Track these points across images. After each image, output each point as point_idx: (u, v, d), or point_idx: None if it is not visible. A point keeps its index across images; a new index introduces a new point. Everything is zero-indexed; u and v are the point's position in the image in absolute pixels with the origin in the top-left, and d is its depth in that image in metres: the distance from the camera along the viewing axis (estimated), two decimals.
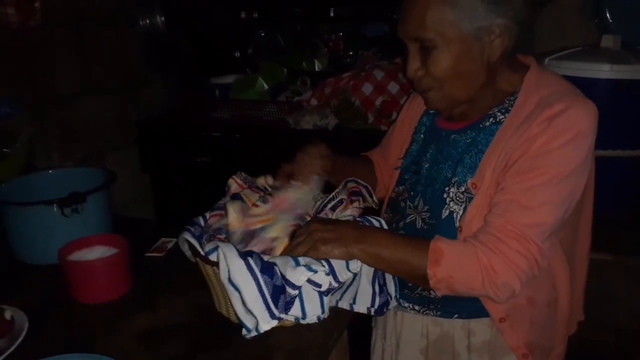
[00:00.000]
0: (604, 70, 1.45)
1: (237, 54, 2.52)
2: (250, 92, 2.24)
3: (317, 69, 2.51)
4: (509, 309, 0.97)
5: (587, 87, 1.47)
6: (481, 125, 0.98)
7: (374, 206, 1.10)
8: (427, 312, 1.05)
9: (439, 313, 1.04)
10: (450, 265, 0.88)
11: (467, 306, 1.01)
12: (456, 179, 0.98)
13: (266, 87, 2.26)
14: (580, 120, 0.88)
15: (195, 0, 2.38)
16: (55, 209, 1.24)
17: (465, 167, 0.97)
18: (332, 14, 2.30)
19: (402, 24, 0.93)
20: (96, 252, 1.18)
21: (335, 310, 0.99)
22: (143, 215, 2.24)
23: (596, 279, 1.65)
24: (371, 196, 1.08)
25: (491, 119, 0.97)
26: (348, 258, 0.90)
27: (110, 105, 2.10)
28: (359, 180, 1.12)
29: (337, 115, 2.00)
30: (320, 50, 2.57)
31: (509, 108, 0.95)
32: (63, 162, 1.82)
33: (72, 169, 1.51)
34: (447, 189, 0.98)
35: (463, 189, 0.96)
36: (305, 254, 0.89)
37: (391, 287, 1.03)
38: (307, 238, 0.91)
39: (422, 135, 1.11)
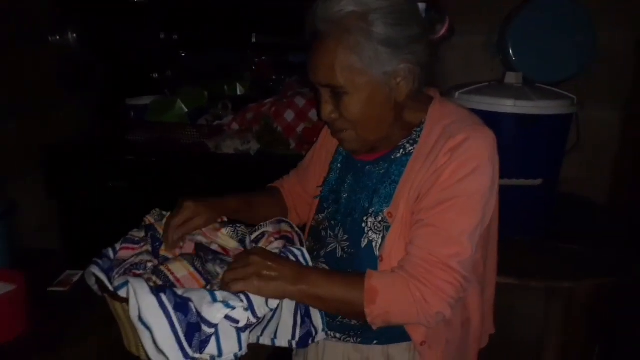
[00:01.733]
0: (508, 105, 1.56)
1: (155, 75, 2.45)
2: (169, 114, 2.18)
3: (239, 93, 2.49)
4: (428, 332, 1.01)
5: (493, 120, 1.58)
6: (392, 157, 1.03)
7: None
8: (348, 339, 1.06)
9: (359, 340, 1.06)
10: (385, 303, 0.91)
11: (386, 332, 1.03)
12: (373, 209, 1.01)
13: (185, 109, 2.21)
14: (481, 148, 0.94)
15: (113, 19, 2.29)
16: None
17: (381, 197, 1.01)
18: (254, 40, 2.30)
19: (313, 71, 0.96)
20: None
21: (252, 346, 0.97)
22: (50, 245, 2.08)
23: (505, 300, 1.76)
24: (302, 244, 1.07)
25: (401, 150, 1.02)
26: (281, 297, 0.91)
27: (15, 127, 1.94)
28: (294, 226, 1.12)
29: (259, 140, 1.99)
30: (243, 75, 2.57)
31: (417, 139, 1.01)
32: None
33: None
34: (365, 218, 1.01)
35: (380, 218, 1.00)
36: (235, 284, 0.88)
37: (317, 320, 1.02)
38: (245, 268, 0.89)
39: (339, 165, 1.14)
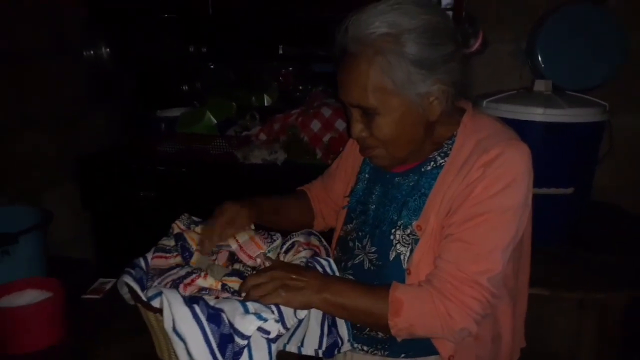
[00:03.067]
0: (537, 114, 1.53)
1: (185, 87, 2.50)
2: (198, 126, 2.21)
3: (266, 104, 2.52)
4: (457, 347, 0.99)
5: (522, 128, 1.56)
6: (422, 169, 1.02)
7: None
8: (375, 352, 1.05)
9: (386, 353, 1.05)
10: (409, 315, 0.91)
11: (415, 345, 1.02)
12: (402, 221, 1.00)
13: (214, 121, 2.24)
14: (515, 163, 0.92)
15: (142, 33, 2.35)
16: None
17: (410, 210, 1.00)
18: (280, 51, 2.33)
19: (343, 92, 0.95)
20: (27, 297, 1.11)
21: (282, 354, 0.97)
22: (84, 254, 2.14)
23: (536, 311, 1.72)
24: (327, 257, 1.07)
25: (432, 163, 1.01)
26: (308, 307, 0.91)
27: (50, 140, 2.00)
28: (322, 240, 1.13)
29: (286, 150, 2.01)
30: (270, 85, 2.60)
31: (448, 152, 0.99)
32: None
33: (5, 207, 1.42)
34: (393, 230, 1.00)
35: (409, 231, 0.99)
36: (263, 299, 0.88)
37: (343, 330, 1.02)
38: (270, 283, 0.90)
39: (367, 175, 1.13)
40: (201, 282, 0.93)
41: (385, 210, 1.04)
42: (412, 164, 1.03)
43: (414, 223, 0.98)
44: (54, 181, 2.03)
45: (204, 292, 0.94)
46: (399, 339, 0.94)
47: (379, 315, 0.92)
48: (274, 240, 1.11)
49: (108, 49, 2.22)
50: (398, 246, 0.99)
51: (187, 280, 0.94)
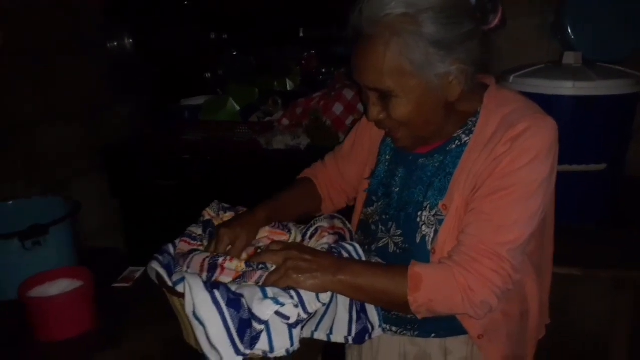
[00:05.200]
0: (566, 87, 1.48)
1: (208, 75, 2.51)
2: (221, 113, 2.22)
3: (289, 88, 2.51)
4: (486, 324, 0.98)
5: (551, 103, 1.52)
6: (447, 149, 1.00)
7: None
8: (405, 332, 1.05)
9: (416, 333, 1.04)
10: (429, 290, 0.89)
11: (444, 325, 1.01)
12: (428, 202, 0.98)
13: (237, 108, 2.25)
14: (542, 138, 0.90)
15: (165, 22, 2.36)
16: (16, 242, 1.20)
17: (435, 190, 0.98)
18: (301, 34, 2.31)
19: (359, 74, 0.93)
20: (59, 286, 1.14)
21: (306, 340, 0.97)
22: (114, 242, 2.19)
23: (569, 291, 1.68)
24: (352, 241, 1.06)
25: (457, 142, 0.99)
26: (321, 290, 0.89)
27: (76, 130, 2.04)
28: (346, 223, 1.12)
29: (308, 135, 2.00)
30: (293, 70, 2.58)
31: (472, 129, 0.97)
32: (28, 191, 1.76)
33: (34, 199, 1.46)
34: (419, 213, 0.99)
35: (434, 211, 0.97)
36: (275, 283, 0.88)
37: (373, 315, 1.01)
38: (282, 265, 0.89)
39: (387, 157, 1.11)
40: (228, 265, 0.94)
41: (411, 193, 1.02)
42: (436, 143, 1.01)
43: (439, 203, 0.97)
44: (81, 171, 2.07)
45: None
46: (419, 317, 0.92)
47: (398, 294, 0.90)
48: (290, 230, 1.10)
49: (131, 40, 2.24)
50: (423, 227, 0.98)
51: (220, 262, 0.94)
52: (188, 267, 0.96)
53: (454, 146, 0.99)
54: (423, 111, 0.93)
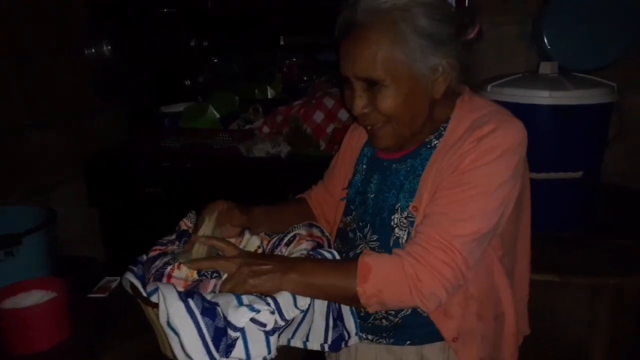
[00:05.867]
0: (543, 97, 1.50)
1: (188, 82, 2.49)
2: (201, 120, 2.21)
3: (270, 96, 2.50)
4: (460, 327, 0.98)
5: (527, 113, 1.54)
6: (419, 152, 1.02)
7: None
8: (380, 340, 1.05)
9: (391, 341, 1.04)
10: (378, 280, 0.89)
11: (419, 332, 1.01)
12: (399, 205, 1.00)
13: (217, 115, 2.23)
14: (507, 138, 0.91)
15: (145, 29, 2.34)
16: None
17: (406, 192, 1.00)
18: (282, 43, 2.31)
19: (349, 64, 0.94)
20: (33, 297, 1.12)
21: (285, 349, 0.97)
22: (93, 252, 2.15)
23: (547, 298, 1.70)
24: (330, 249, 1.06)
25: (427, 145, 1.01)
26: (277, 290, 0.89)
27: (57, 137, 2.01)
28: (324, 231, 1.12)
29: (289, 143, 1.99)
30: (274, 77, 2.57)
31: (443, 133, 0.99)
32: (9, 199, 1.73)
33: (9, 207, 1.43)
34: (392, 216, 1.00)
35: (406, 214, 0.98)
36: (232, 289, 0.88)
37: (350, 324, 1.01)
38: (236, 273, 0.90)
39: (364, 166, 1.12)
40: (177, 274, 0.94)
41: (385, 198, 1.03)
42: (409, 149, 1.03)
43: (410, 205, 0.98)
44: (62, 179, 2.04)
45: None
46: (370, 310, 0.92)
47: (348, 286, 0.89)
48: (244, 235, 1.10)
49: (109, 46, 2.22)
50: (396, 230, 0.99)
51: (167, 272, 0.94)
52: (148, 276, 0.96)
53: (424, 150, 1.01)
54: (410, 104, 0.94)
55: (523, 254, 1.08)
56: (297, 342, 0.97)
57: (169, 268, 0.95)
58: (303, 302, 0.90)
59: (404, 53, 0.89)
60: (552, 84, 1.54)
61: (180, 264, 0.96)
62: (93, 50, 2.20)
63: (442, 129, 1.00)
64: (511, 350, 1.06)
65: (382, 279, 0.89)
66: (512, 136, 0.92)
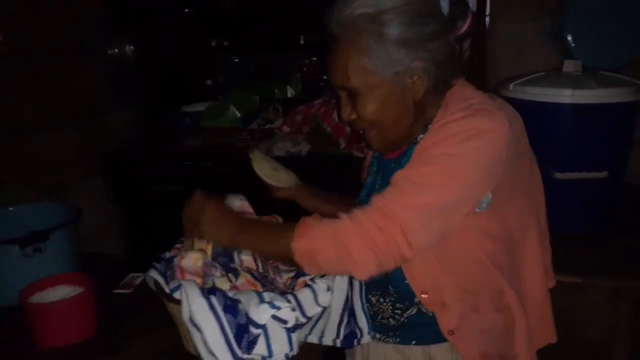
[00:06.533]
0: (566, 95, 1.48)
1: (208, 82, 2.52)
2: (221, 120, 2.23)
3: (289, 95, 2.51)
4: (456, 321, 0.98)
5: (550, 111, 1.52)
6: (410, 150, 1.01)
7: None
8: (387, 339, 1.06)
9: (398, 340, 1.05)
10: (312, 237, 0.89)
11: (424, 332, 1.01)
12: None
13: (238, 114, 2.26)
14: (475, 125, 0.88)
15: (165, 29, 2.37)
16: (16, 248, 1.20)
17: None
18: (302, 41, 2.32)
19: (330, 75, 0.97)
20: (60, 292, 1.14)
21: (306, 346, 0.97)
22: (114, 248, 2.18)
23: (568, 300, 1.67)
24: None
25: (416, 142, 1.01)
26: (233, 244, 0.97)
27: (76, 135, 2.05)
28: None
29: (309, 141, 2.00)
30: (293, 77, 2.59)
31: (429, 127, 0.98)
32: (27, 196, 1.76)
33: (34, 205, 1.46)
34: None
35: None
36: (187, 228, 0.97)
37: (362, 321, 1.02)
38: (200, 214, 0.97)
39: (375, 168, 1.14)
40: (184, 263, 0.98)
41: None
42: (404, 148, 1.02)
43: None
44: (81, 177, 2.07)
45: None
46: (306, 270, 0.91)
47: (287, 243, 0.89)
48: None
49: (132, 46, 2.25)
50: None
51: (177, 263, 0.99)
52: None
53: (414, 146, 1.00)
54: (389, 110, 0.94)
55: (532, 255, 1.04)
56: (313, 339, 0.99)
57: (176, 259, 0.98)
58: (324, 298, 0.91)
59: (372, 61, 0.90)
60: (575, 82, 1.51)
61: (182, 257, 1.00)
62: (114, 49, 2.24)
63: (429, 124, 0.99)
64: (524, 347, 1.02)
65: (316, 237, 0.89)
66: (485, 123, 0.88)
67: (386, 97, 0.93)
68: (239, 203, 1.16)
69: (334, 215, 0.97)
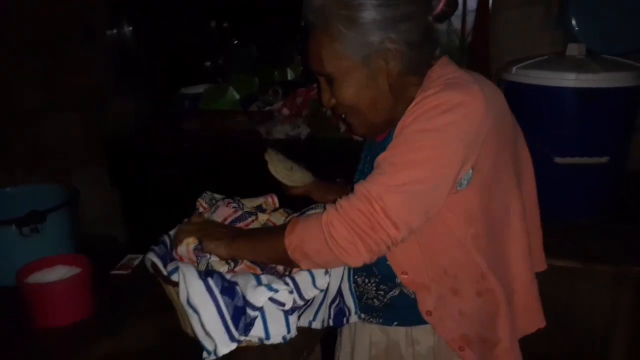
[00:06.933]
0: (569, 79, 1.46)
1: (208, 64, 2.50)
2: (221, 102, 2.21)
3: (289, 78, 2.49)
4: (434, 302, 0.98)
5: (554, 95, 1.51)
6: (392, 132, 1.00)
7: None
8: (372, 320, 1.07)
9: (380, 321, 1.06)
10: (301, 230, 0.91)
11: (406, 313, 1.02)
12: None
13: (237, 97, 2.24)
14: (448, 99, 0.86)
15: (164, 10, 2.34)
16: (13, 228, 1.19)
17: None
18: (302, 24, 2.29)
19: (309, 61, 0.99)
20: (57, 273, 1.14)
21: (305, 328, 0.97)
22: (114, 231, 2.19)
23: (568, 285, 1.68)
24: None
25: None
26: (230, 256, 0.99)
27: (77, 120, 2.04)
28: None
29: (309, 124, 1.99)
30: (294, 59, 2.56)
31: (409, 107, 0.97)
32: (28, 180, 1.76)
33: (33, 186, 1.46)
34: None
35: None
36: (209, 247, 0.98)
37: (349, 301, 1.04)
38: (194, 231, 1.01)
39: (365, 153, 1.15)
40: (180, 250, 1.01)
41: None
42: (389, 130, 1.01)
43: None
44: (83, 162, 2.07)
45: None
46: (301, 265, 0.93)
47: (279, 242, 0.92)
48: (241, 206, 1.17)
49: (131, 28, 2.23)
50: None
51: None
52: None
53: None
54: (364, 93, 0.95)
55: (517, 238, 1.02)
56: (317, 325, 1.00)
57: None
58: (322, 281, 0.91)
59: (344, 46, 0.91)
60: (579, 66, 1.49)
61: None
62: (114, 32, 2.21)
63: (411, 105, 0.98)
64: (507, 332, 1.00)
65: (305, 229, 0.91)
66: (457, 96, 0.86)
67: (360, 80, 0.94)
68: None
69: None
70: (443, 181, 0.88)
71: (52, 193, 1.40)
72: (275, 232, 0.97)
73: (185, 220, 1.12)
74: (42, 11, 1.85)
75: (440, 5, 0.94)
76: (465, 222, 0.94)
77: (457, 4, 0.96)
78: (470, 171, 0.89)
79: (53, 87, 1.92)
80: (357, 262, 0.88)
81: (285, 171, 1.24)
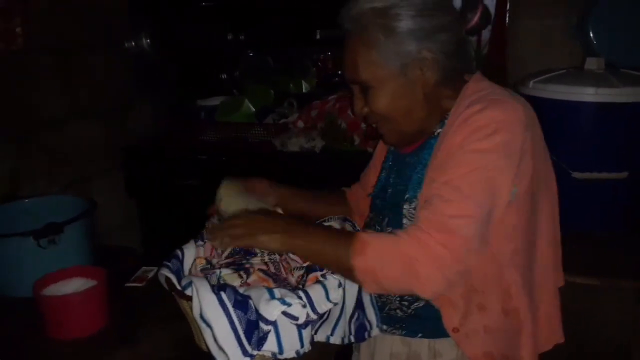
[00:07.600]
0: (588, 94, 1.45)
1: (224, 76, 2.51)
2: (237, 114, 2.23)
3: (304, 90, 2.50)
4: (461, 318, 0.97)
5: (572, 110, 1.49)
6: (427, 144, 1.02)
7: None
8: (394, 331, 1.06)
9: (404, 332, 1.05)
10: (374, 256, 0.88)
11: (431, 325, 1.01)
12: (408, 195, 1.01)
13: (253, 109, 2.25)
14: (494, 117, 0.89)
15: (182, 22, 2.37)
16: (31, 240, 1.21)
17: (414, 183, 1.01)
18: (318, 36, 2.30)
19: (343, 70, 1.01)
20: (73, 285, 1.15)
21: (319, 342, 0.97)
22: (131, 241, 2.20)
23: (588, 302, 1.65)
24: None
25: (433, 136, 1.01)
26: (281, 250, 0.96)
27: (97, 129, 2.07)
28: (356, 226, 1.13)
29: (323, 137, 1.99)
30: (309, 71, 2.57)
31: (445, 121, 0.99)
32: (49, 189, 1.79)
33: (51, 197, 1.47)
34: (404, 207, 1.01)
35: (414, 204, 0.99)
36: (234, 242, 0.95)
37: (371, 314, 1.02)
38: (250, 225, 0.96)
39: (390, 163, 1.14)
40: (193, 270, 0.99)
41: (399, 190, 1.05)
42: (420, 141, 1.03)
43: (418, 195, 0.98)
44: (103, 170, 2.10)
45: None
46: (367, 288, 0.92)
47: (341, 255, 0.90)
48: None
49: (149, 40, 2.26)
50: (405, 221, 1.00)
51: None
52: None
53: (431, 140, 1.01)
54: (399, 102, 0.96)
55: (544, 253, 1.02)
56: (337, 340, 0.98)
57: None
58: (335, 294, 0.90)
59: (380, 55, 0.93)
60: (598, 80, 1.48)
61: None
62: (132, 43, 2.24)
63: (446, 117, 0.99)
64: (529, 350, 0.99)
65: (379, 256, 0.88)
66: (500, 115, 0.89)
67: (396, 89, 0.95)
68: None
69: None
70: (501, 201, 0.90)
71: (71, 204, 1.41)
72: (337, 241, 0.92)
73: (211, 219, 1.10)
74: (66, 20, 1.88)
75: (475, 19, 0.96)
76: (506, 238, 0.94)
77: (490, 18, 0.98)
78: (515, 188, 0.91)
79: (76, 95, 1.95)
80: (429, 294, 0.90)
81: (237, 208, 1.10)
